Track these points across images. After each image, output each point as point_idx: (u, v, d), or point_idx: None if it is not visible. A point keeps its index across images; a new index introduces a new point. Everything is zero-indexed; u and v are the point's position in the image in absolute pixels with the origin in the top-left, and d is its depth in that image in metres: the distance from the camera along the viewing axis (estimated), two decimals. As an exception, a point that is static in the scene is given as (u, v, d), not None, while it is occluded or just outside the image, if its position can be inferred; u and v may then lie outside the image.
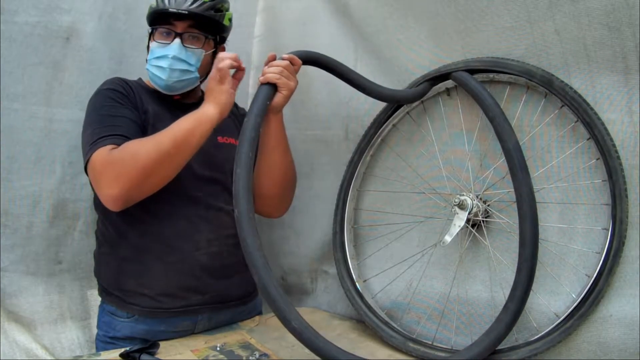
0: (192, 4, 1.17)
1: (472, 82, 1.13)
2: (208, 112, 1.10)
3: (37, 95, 1.24)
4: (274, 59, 1.15)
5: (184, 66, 1.19)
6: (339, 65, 1.22)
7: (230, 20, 1.28)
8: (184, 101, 1.28)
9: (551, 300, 1.06)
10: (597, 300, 0.97)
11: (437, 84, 1.24)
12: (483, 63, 1.13)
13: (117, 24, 1.36)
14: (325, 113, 1.49)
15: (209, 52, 1.24)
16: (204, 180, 1.22)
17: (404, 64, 1.30)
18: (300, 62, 1.16)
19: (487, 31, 1.13)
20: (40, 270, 1.28)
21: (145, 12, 1.27)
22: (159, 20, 1.19)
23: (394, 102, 1.30)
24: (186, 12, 1.16)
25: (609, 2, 0.95)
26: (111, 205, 1.07)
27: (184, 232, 1.17)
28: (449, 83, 1.22)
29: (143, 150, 1.04)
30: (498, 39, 1.12)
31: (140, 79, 1.30)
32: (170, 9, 1.16)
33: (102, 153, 1.05)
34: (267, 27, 1.65)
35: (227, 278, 1.24)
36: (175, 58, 1.17)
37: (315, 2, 1.48)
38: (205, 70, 1.25)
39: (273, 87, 1.12)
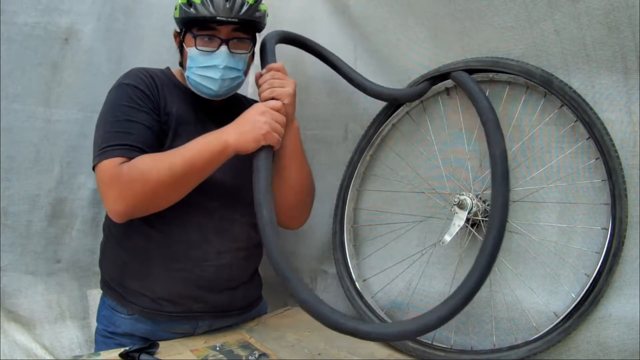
0: (240, 9, 1.07)
1: (470, 83, 1.13)
2: (227, 143, 1.02)
3: (36, 95, 1.24)
4: (260, 76, 1.15)
5: (235, 74, 1.13)
6: (312, 43, 1.30)
7: (267, 16, 1.21)
8: (212, 103, 1.22)
9: (550, 299, 1.06)
10: (596, 299, 0.97)
11: (436, 84, 1.24)
12: (482, 63, 1.13)
13: (116, 24, 1.36)
14: (325, 113, 1.49)
15: (250, 53, 1.18)
16: (223, 189, 1.16)
17: (404, 63, 1.30)
18: (281, 66, 1.15)
19: (487, 31, 1.13)
20: (39, 269, 1.28)
21: (144, 13, 1.27)
22: (199, 25, 1.09)
23: (392, 101, 1.30)
24: (236, 20, 1.07)
25: (608, 2, 0.95)
26: (114, 218, 1.04)
27: (192, 242, 1.13)
28: (449, 83, 1.22)
29: (155, 171, 0.99)
30: (497, 38, 1.12)
31: (168, 68, 1.23)
32: (219, 17, 1.05)
33: (111, 165, 1.01)
34: (267, 27, 1.64)
35: (232, 290, 1.22)
36: (226, 68, 1.10)
37: (315, 2, 1.47)
38: (247, 71, 1.21)
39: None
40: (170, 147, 1.09)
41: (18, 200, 1.24)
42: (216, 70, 1.10)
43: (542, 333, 1.03)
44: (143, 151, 1.04)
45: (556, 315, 1.03)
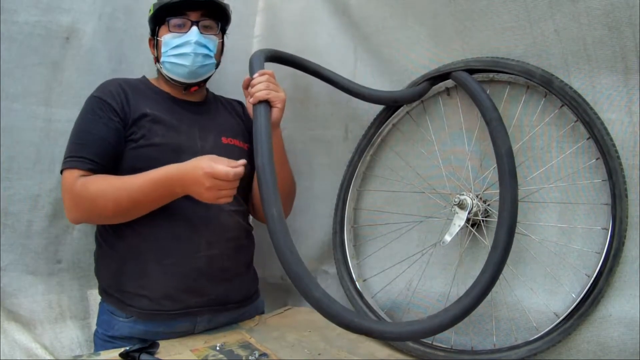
0: None
1: (472, 82, 1.13)
2: (177, 193, 1.09)
3: (37, 95, 1.24)
4: (249, 81, 1.20)
5: (206, 51, 1.22)
6: (303, 60, 1.32)
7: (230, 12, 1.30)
8: (188, 99, 1.28)
9: (551, 300, 1.06)
10: (596, 300, 0.97)
11: (437, 84, 1.24)
12: (483, 63, 1.14)
13: (117, 24, 1.36)
14: (325, 113, 1.49)
15: (220, 40, 1.28)
16: None
17: (404, 63, 1.30)
18: (272, 72, 1.21)
19: (487, 31, 1.13)
20: (39, 269, 1.28)
21: (145, 12, 1.27)
22: (171, 12, 1.20)
23: (393, 104, 1.30)
24: (205, 2, 1.19)
25: (609, 2, 0.95)
26: (70, 221, 1.16)
27: (182, 234, 1.16)
28: (449, 83, 1.23)
29: (102, 200, 1.08)
30: (498, 38, 1.12)
31: (144, 76, 1.30)
32: None
33: (67, 177, 1.11)
34: (267, 27, 1.65)
35: (227, 281, 1.23)
36: (197, 43, 1.19)
37: (315, 2, 1.48)
38: (218, 58, 1.29)
39: (266, 103, 1.16)
40: (148, 144, 1.15)
41: (18, 200, 1.23)
42: (189, 46, 1.19)
43: (542, 333, 1.03)
44: (95, 162, 1.11)
45: (556, 315, 1.03)
